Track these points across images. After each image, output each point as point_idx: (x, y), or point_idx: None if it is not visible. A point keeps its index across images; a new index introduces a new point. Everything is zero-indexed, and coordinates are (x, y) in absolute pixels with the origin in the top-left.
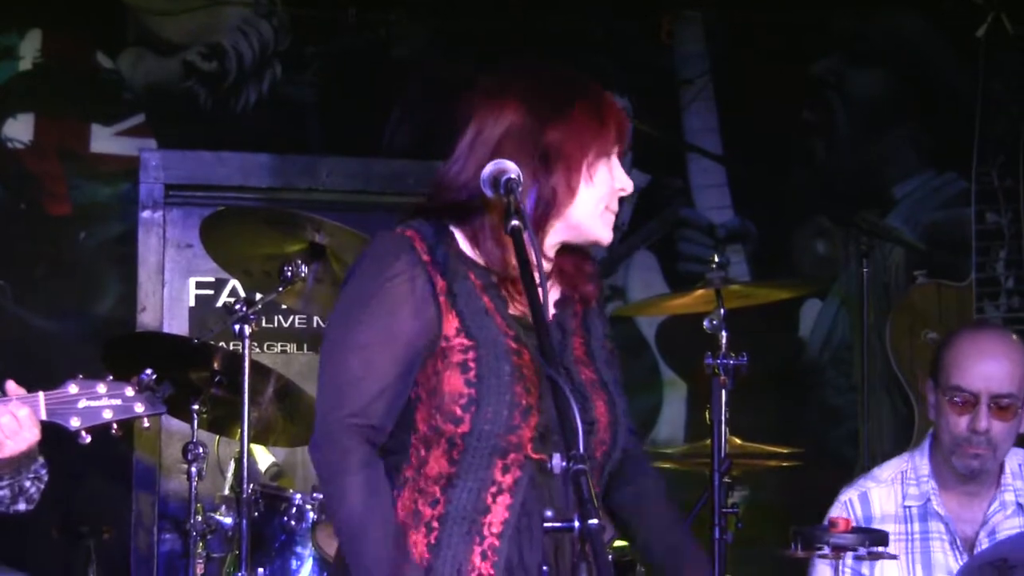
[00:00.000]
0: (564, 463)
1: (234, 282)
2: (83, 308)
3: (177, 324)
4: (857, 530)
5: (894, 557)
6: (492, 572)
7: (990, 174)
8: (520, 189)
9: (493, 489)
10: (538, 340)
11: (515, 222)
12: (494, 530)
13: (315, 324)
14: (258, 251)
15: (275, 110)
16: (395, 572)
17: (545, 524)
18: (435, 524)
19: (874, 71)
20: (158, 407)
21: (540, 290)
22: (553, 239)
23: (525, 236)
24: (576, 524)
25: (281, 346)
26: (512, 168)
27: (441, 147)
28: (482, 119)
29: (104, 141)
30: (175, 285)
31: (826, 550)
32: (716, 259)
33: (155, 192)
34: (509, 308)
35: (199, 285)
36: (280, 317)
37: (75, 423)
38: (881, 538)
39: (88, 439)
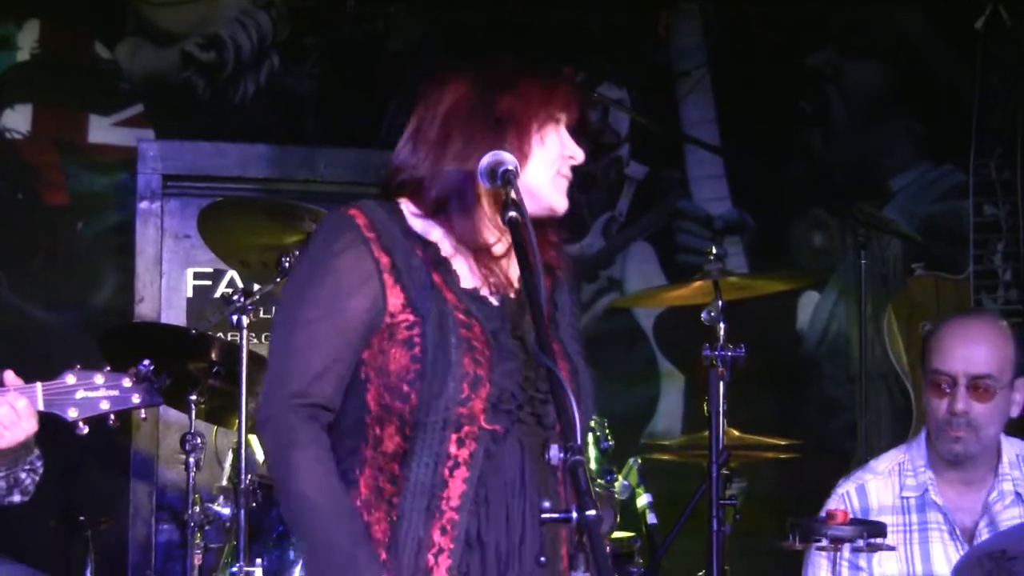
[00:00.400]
0: (561, 454)
1: (232, 273)
2: (80, 298)
3: (175, 315)
4: (855, 522)
5: (892, 548)
6: (451, 546)
7: (988, 166)
8: (517, 180)
9: (449, 463)
10: (535, 330)
11: (513, 213)
12: (452, 504)
13: None
14: (256, 242)
15: (273, 101)
16: (351, 543)
17: (542, 515)
18: (395, 500)
19: (871, 63)
20: (155, 398)
21: (540, 279)
22: None
23: (524, 227)
24: (574, 515)
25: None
26: (509, 160)
27: None
28: (428, 99)
29: (102, 131)
30: (173, 276)
31: (824, 542)
32: (714, 251)
33: (153, 183)
34: (461, 282)
35: (197, 276)
36: (279, 301)
37: (72, 414)
38: (879, 530)
39: (86, 430)
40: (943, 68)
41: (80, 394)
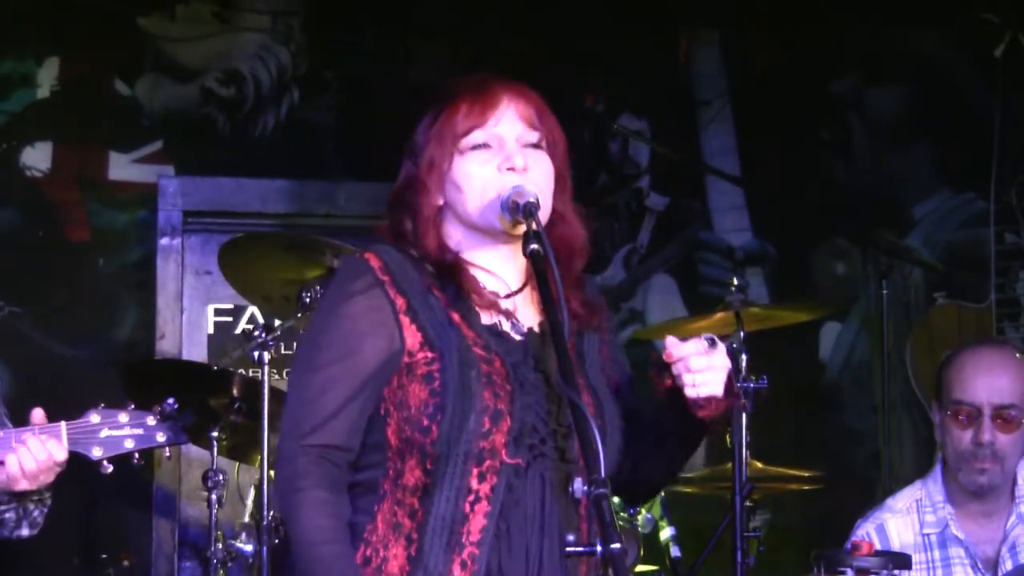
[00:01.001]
0: (585, 487)
1: (253, 309)
2: (101, 334)
3: (196, 351)
4: (880, 553)
5: None
6: None
7: (1009, 194)
8: (539, 212)
9: (471, 497)
10: (558, 362)
11: (534, 246)
12: (472, 539)
13: None
14: (277, 276)
15: (293, 135)
16: None
17: (567, 548)
18: (414, 535)
19: (892, 90)
20: (180, 436)
21: (562, 312)
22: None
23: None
24: (599, 548)
25: None
26: (530, 193)
27: None
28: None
29: (122, 168)
30: (193, 312)
31: (849, 573)
32: (736, 282)
33: (173, 218)
34: (481, 319)
35: (217, 312)
36: (298, 343)
37: (97, 453)
38: (904, 561)
39: (110, 469)
40: (964, 95)
41: (104, 433)
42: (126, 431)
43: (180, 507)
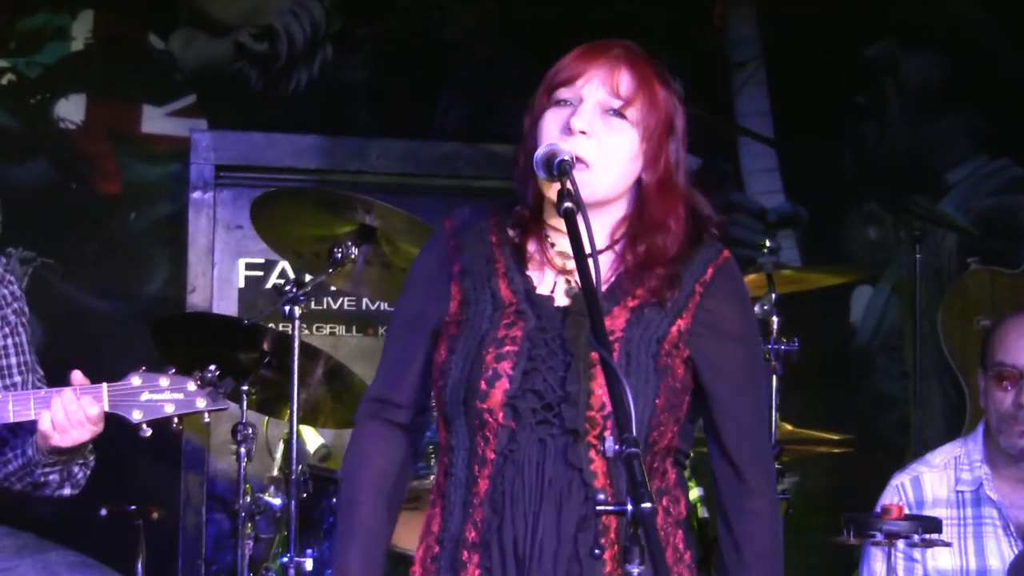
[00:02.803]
0: (617, 446)
1: (284, 263)
2: (133, 288)
3: (226, 305)
4: (910, 517)
5: (947, 544)
6: (478, 541)
7: None
8: (583, 173)
9: (478, 459)
10: (591, 321)
11: (568, 204)
12: (479, 500)
13: (364, 306)
14: (308, 232)
15: (326, 92)
16: (345, 538)
17: (597, 507)
18: (446, 493)
19: (928, 55)
20: (220, 403)
21: (593, 270)
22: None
23: (578, 218)
24: (629, 507)
25: (330, 328)
26: (564, 150)
27: (490, 130)
28: None
29: (155, 121)
30: (224, 266)
31: (879, 537)
32: (768, 244)
33: (205, 173)
34: (532, 283)
35: (248, 267)
36: (329, 299)
37: (137, 416)
38: (934, 525)
39: (149, 432)
40: (1001, 60)
41: (145, 396)
42: (166, 395)
43: (209, 461)
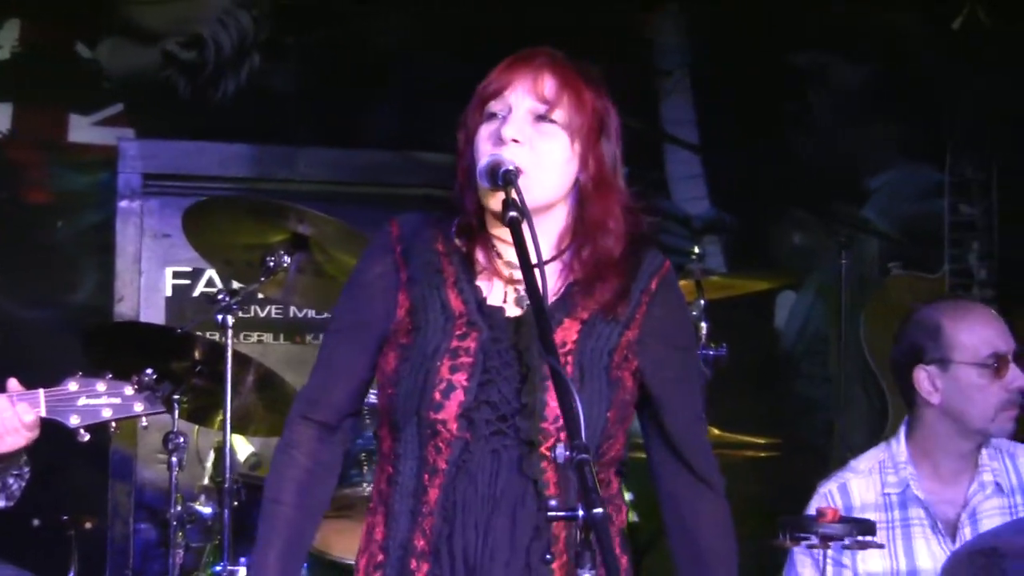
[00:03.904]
0: (568, 452)
1: (211, 272)
2: (61, 297)
3: (153, 314)
4: (845, 520)
5: (881, 546)
6: (429, 552)
7: (963, 166)
8: (519, 180)
9: (428, 469)
10: (539, 331)
11: (513, 214)
12: (429, 509)
13: (291, 314)
14: (240, 241)
15: (254, 100)
16: (264, 542)
17: (548, 513)
18: (390, 503)
19: (853, 63)
20: (157, 406)
21: (540, 281)
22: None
23: (524, 227)
24: (580, 513)
25: (258, 336)
26: (509, 160)
27: (419, 139)
28: None
29: (82, 130)
30: (151, 275)
31: (814, 540)
32: (697, 250)
33: (133, 182)
34: (481, 293)
35: (176, 275)
36: (257, 307)
37: (74, 421)
38: (869, 527)
39: (87, 437)
40: (923, 69)
41: (82, 401)
42: (104, 400)
43: (136, 470)
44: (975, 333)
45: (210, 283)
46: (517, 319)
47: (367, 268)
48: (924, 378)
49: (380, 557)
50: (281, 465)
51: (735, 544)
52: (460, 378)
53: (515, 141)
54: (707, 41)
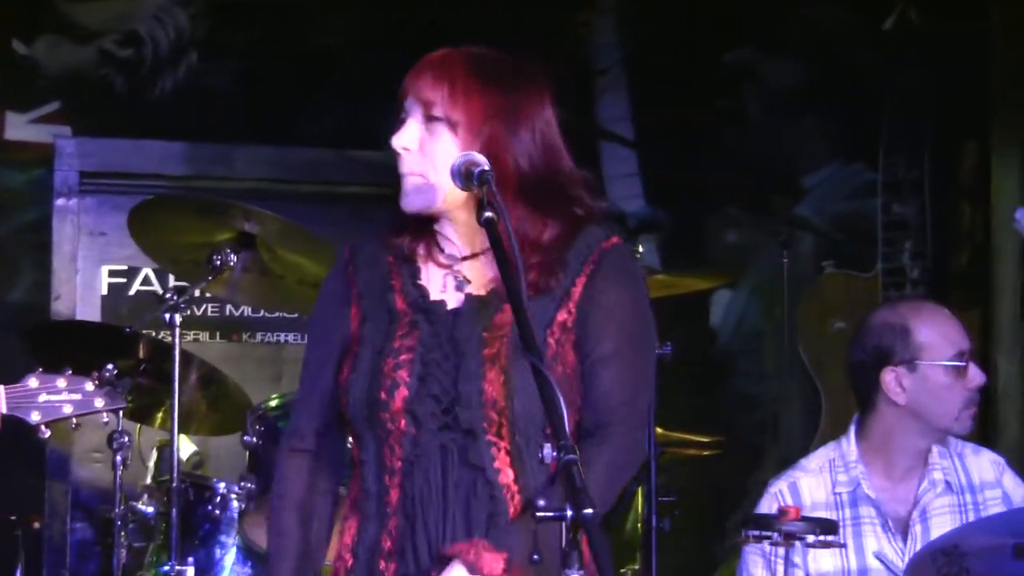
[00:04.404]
0: (554, 453)
1: (147, 270)
2: None
3: (90, 312)
4: (807, 519)
5: (842, 545)
6: (394, 550)
7: (897, 165)
8: (492, 180)
9: (387, 470)
10: (519, 329)
11: (489, 213)
12: (392, 509)
13: (228, 312)
14: (186, 239)
15: (191, 98)
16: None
17: (537, 513)
18: (360, 507)
19: (786, 61)
20: (118, 402)
21: (520, 278)
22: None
23: (500, 227)
24: (568, 513)
25: (194, 334)
26: (483, 160)
27: (356, 136)
28: None
29: (19, 128)
30: (87, 273)
31: (777, 537)
32: (640, 248)
33: (70, 179)
34: (421, 286)
35: (112, 273)
36: (193, 305)
37: (35, 417)
38: (831, 526)
39: (48, 433)
40: (856, 68)
41: (43, 398)
42: (64, 396)
43: (72, 469)
44: (941, 333)
45: (146, 281)
46: (456, 310)
47: (325, 293)
48: (892, 379)
49: (349, 561)
50: (278, 502)
51: (611, 494)
52: (403, 374)
53: (405, 149)
54: (641, 38)
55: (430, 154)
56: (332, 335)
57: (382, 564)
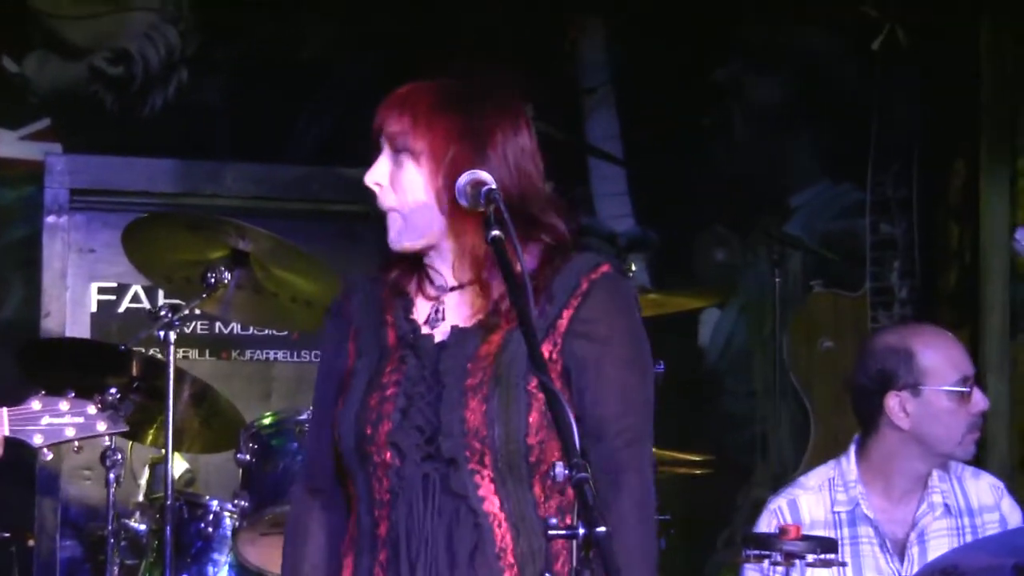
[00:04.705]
0: (567, 471)
1: (136, 287)
2: None
3: (79, 329)
4: (808, 537)
5: (843, 564)
6: None
7: (885, 185)
8: (500, 199)
9: (376, 503)
10: (527, 346)
11: (496, 232)
12: (382, 542)
13: (217, 330)
14: (180, 257)
15: (181, 115)
16: None
17: (549, 532)
18: (355, 542)
19: (773, 80)
20: (120, 425)
21: (528, 296)
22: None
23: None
24: (581, 531)
25: (183, 352)
26: (489, 179)
27: (345, 154)
28: None
29: (9, 145)
30: (77, 290)
31: (777, 557)
32: (633, 267)
33: (60, 197)
34: (412, 316)
35: (101, 290)
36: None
37: (38, 440)
38: (831, 545)
39: (50, 456)
40: (843, 87)
41: (46, 420)
42: (67, 419)
43: (62, 486)
44: (945, 358)
45: (135, 299)
46: (444, 343)
47: (325, 333)
48: (895, 404)
49: None
50: (294, 538)
51: (652, 543)
52: (388, 408)
53: (377, 185)
54: (629, 57)
55: (399, 187)
56: (333, 373)
57: None
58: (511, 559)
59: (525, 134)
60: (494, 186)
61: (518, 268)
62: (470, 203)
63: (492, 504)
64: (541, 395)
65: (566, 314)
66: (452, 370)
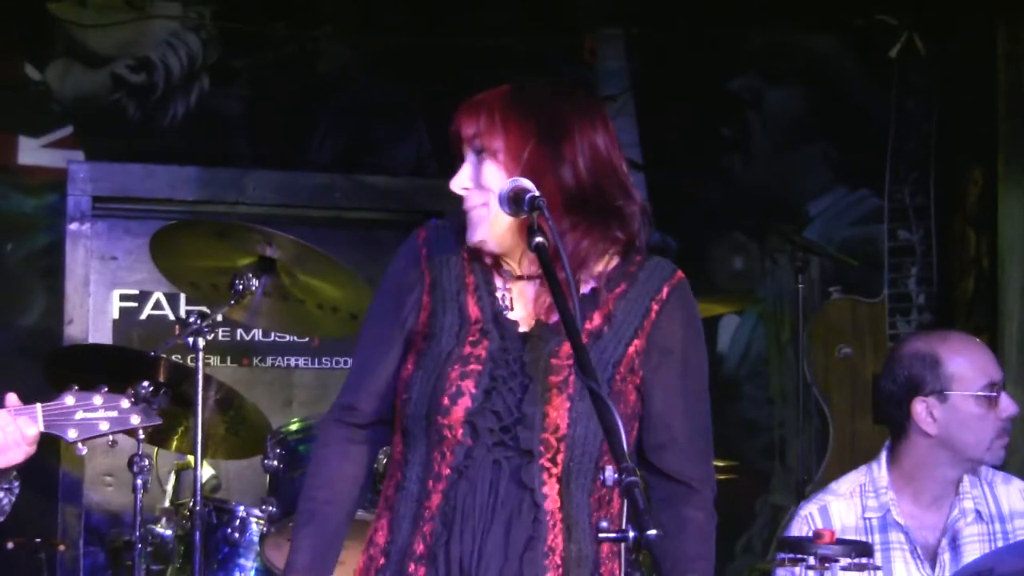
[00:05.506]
0: (616, 475)
1: (158, 294)
2: (10, 320)
3: (101, 336)
4: (842, 542)
5: (877, 568)
6: (425, 554)
7: (902, 192)
8: (544, 206)
9: (433, 474)
10: (574, 352)
11: (539, 239)
12: (431, 514)
13: (239, 336)
14: (207, 264)
15: (203, 123)
16: (300, 538)
17: (600, 534)
18: (396, 507)
19: (790, 89)
20: (153, 418)
21: (573, 302)
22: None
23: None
24: (631, 534)
25: (205, 359)
26: (531, 186)
27: (366, 161)
28: None
29: (32, 153)
30: (99, 297)
31: (812, 561)
32: None
33: (82, 204)
34: (498, 304)
35: (123, 297)
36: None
37: (72, 435)
38: (866, 549)
39: (85, 451)
40: (860, 94)
41: (79, 415)
42: (101, 413)
43: (85, 493)
44: (972, 363)
45: (157, 306)
46: (527, 333)
47: (395, 274)
48: (923, 410)
49: (381, 561)
50: (315, 465)
51: (711, 551)
52: (468, 384)
53: (464, 189)
54: (648, 66)
55: (484, 186)
56: (398, 318)
57: (412, 567)
58: (558, 560)
59: (601, 129)
60: (537, 193)
61: (562, 275)
62: (513, 211)
63: (553, 503)
64: (621, 404)
65: (647, 323)
66: (536, 362)
